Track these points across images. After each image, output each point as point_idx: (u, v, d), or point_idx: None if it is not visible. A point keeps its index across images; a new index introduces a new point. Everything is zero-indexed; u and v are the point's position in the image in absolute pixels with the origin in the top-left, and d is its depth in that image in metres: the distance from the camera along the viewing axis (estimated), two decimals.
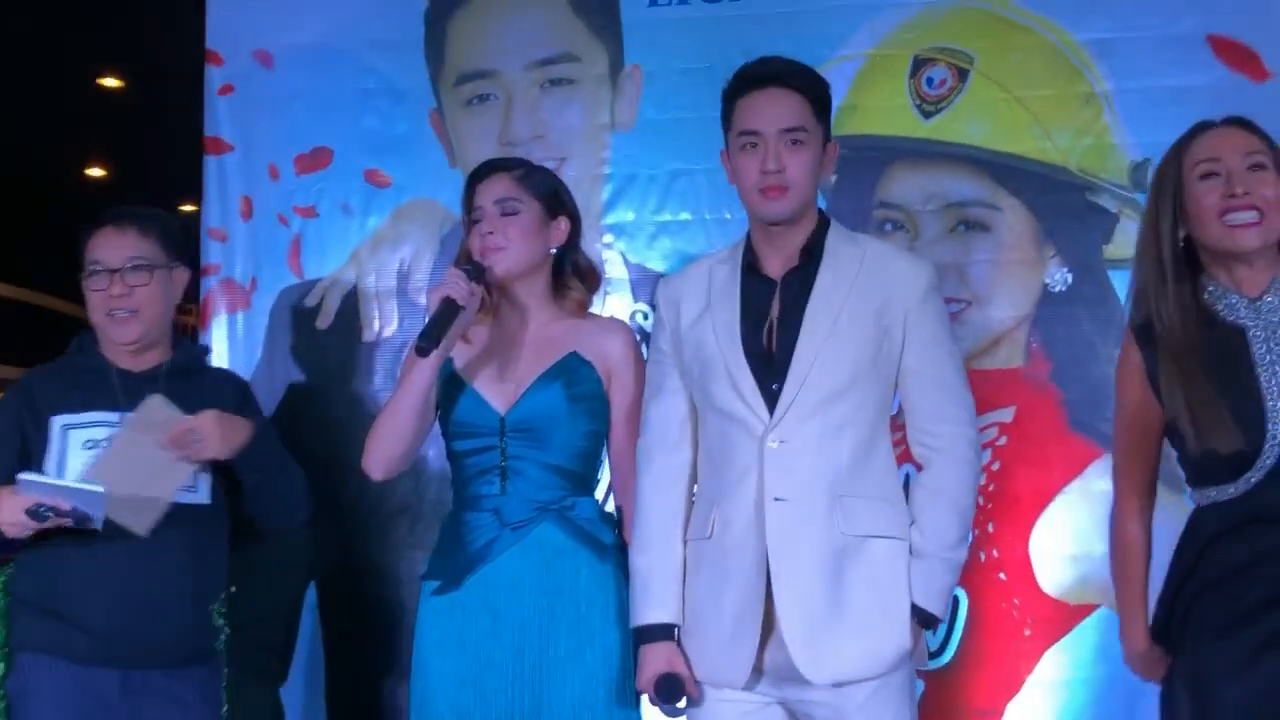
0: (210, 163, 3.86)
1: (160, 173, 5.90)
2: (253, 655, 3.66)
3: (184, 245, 2.90)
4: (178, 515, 2.71)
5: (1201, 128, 2.34)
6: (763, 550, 2.35)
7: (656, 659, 2.46)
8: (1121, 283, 3.37)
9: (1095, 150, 3.42)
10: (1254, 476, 2.18)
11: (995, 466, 3.32)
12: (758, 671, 2.39)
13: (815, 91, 2.45)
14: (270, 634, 3.71)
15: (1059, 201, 3.42)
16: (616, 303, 3.59)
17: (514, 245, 2.62)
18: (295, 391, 3.78)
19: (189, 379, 2.84)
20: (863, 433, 2.39)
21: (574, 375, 2.62)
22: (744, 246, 2.53)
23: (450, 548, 2.65)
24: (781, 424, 2.37)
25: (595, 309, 2.85)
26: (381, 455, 2.63)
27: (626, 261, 3.64)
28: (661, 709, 2.47)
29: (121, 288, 2.77)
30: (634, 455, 2.57)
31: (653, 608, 2.47)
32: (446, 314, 2.50)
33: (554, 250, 2.69)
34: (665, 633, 2.47)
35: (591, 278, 2.75)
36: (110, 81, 7.31)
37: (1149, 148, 3.37)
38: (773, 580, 2.34)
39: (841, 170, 3.50)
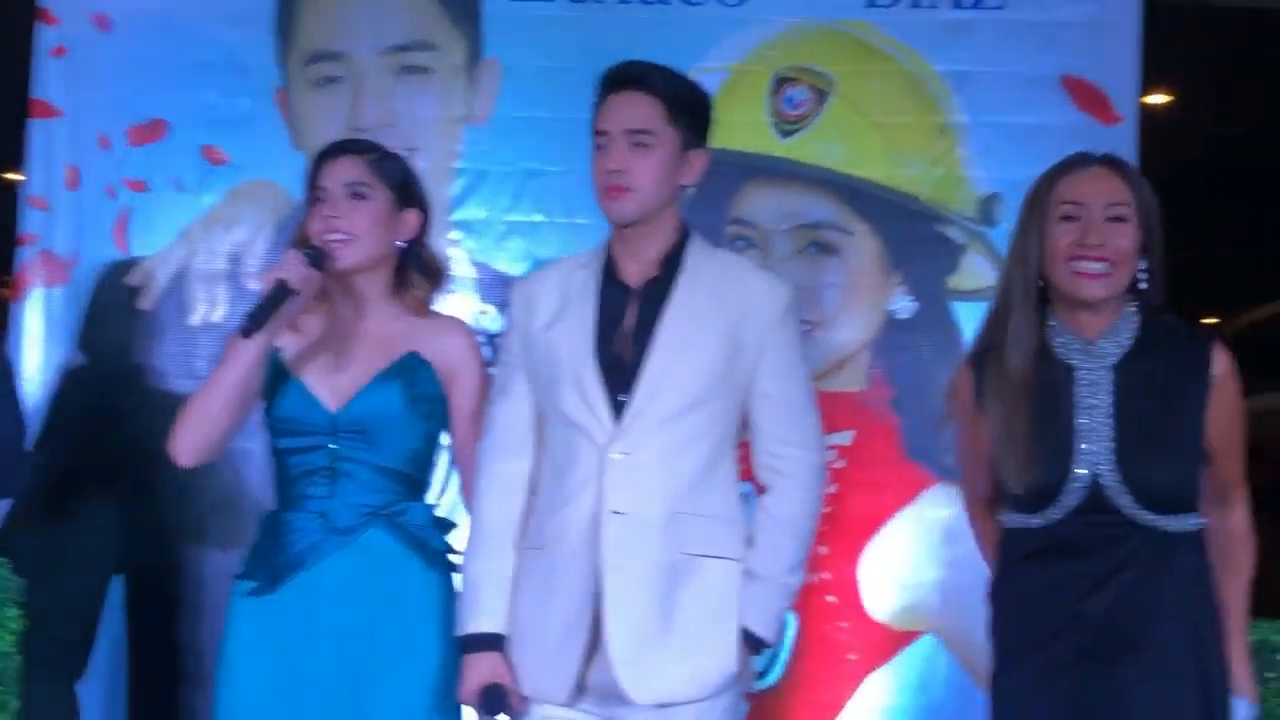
0: (36, 127, 3.66)
1: None
2: (48, 648, 3.49)
3: None
4: None
5: (1074, 164, 2.31)
6: (595, 564, 2.30)
7: (480, 669, 2.38)
8: (965, 314, 3.41)
9: (946, 181, 3.45)
10: (1054, 514, 2.21)
11: (832, 489, 3.31)
12: (581, 689, 2.33)
13: (675, 96, 2.39)
14: (68, 627, 3.53)
15: (908, 229, 3.46)
16: (460, 303, 3.49)
17: (359, 235, 2.49)
18: (114, 374, 3.61)
19: None
20: (707, 450, 2.34)
21: (413, 376, 2.51)
22: (604, 252, 2.46)
23: (268, 548, 2.52)
24: (626, 435, 2.32)
25: (437, 308, 2.72)
26: (190, 438, 2.47)
27: (474, 261, 3.55)
28: (484, 714, 2.38)
29: None
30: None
31: (480, 616, 2.40)
32: (277, 297, 2.37)
33: (400, 244, 2.57)
34: (491, 643, 2.39)
35: (437, 275, 2.62)
36: None
37: (999, 183, 3.43)
38: (604, 595, 2.29)
39: (697, 184, 3.46)
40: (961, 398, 2.40)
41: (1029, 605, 2.25)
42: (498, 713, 2.38)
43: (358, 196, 2.50)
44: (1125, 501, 2.18)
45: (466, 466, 2.58)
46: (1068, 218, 2.26)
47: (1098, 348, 2.27)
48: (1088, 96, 3.42)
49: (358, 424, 2.48)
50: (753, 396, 2.39)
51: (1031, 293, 2.29)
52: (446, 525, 2.60)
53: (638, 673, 2.27)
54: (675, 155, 2.38)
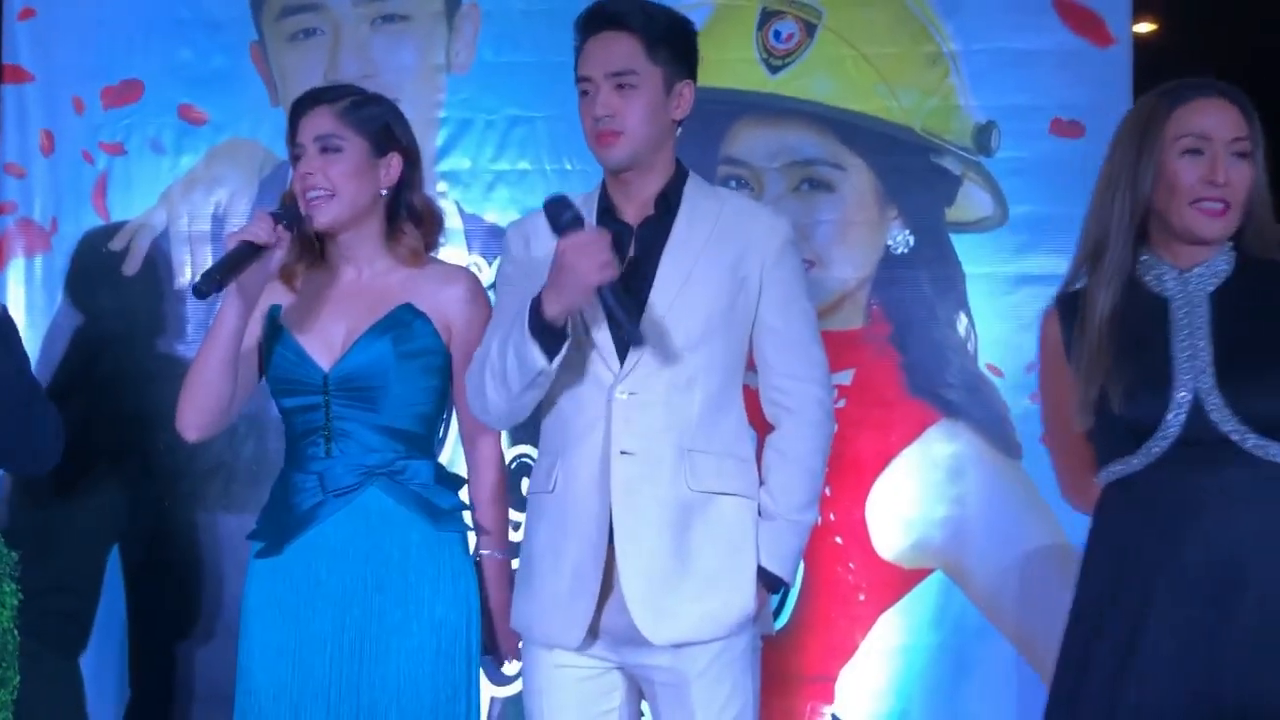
0: (8, 92, 3.58)
1: None
2: (49, 622, 3.46)
3: None
4: None
5: (1192, 92, 2.18)
6: (606, 505, 2.28)
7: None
8: (963, 246, 3.36)
9: (940, 112, 3.38)
10: (1156, 447, 2.13)
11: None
12: (593, 634, 2.31)
13: (653, 31, 2.33)
14: (69, 600, 3.51)
15: (903, 162, 3.39)
16: (451, 254, 3.41)
17: (337, 191, 2.42)
18: (98, 342, 3.55)
19: None
20: (713, 388, 2.32)
21: (406, 330, 2.44)
22: (599, 193, 2.42)
23: (277, 508, 2.49)
24: (631, 375, 2.29)
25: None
26: (193, 412, 2.43)
27: (461, 211, 3.49)
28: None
29: None
30: None
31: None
32: (238, 256, 2.29)
33: (384, 192, 2.49)
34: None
35: (429, 221, 2.55)
36: None
37: (994, 111, 3.37)
38: (615, 535, 2.27)
39: (686, 124, 3.36)
40: (1050, 343, 2.33)
41: (1131, 554, 2.13)
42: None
43: (331, 150, 2.43)
44: (1231, 426, 2.07)
45: (461, 420, 2.54)
46: (1192, 151, 2.15)
47: (1194, 276, 2.18)
48: (1081, 19, 3.34)
49: (350, 382, 2.43)
50: (757, 332, 2.36)
51: (1134, 226, 2.19)
52: (456, 481, 2.55)
53: (653, 613, 2.26)
54: (662, 92, 2.34)
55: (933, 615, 3.32)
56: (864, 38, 3.40)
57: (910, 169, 3.38)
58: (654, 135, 2.35)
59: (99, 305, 3.55)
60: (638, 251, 2.34)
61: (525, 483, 3.34)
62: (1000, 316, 3.35)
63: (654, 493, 2.27)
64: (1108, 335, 2.17)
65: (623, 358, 2.29)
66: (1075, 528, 3.25)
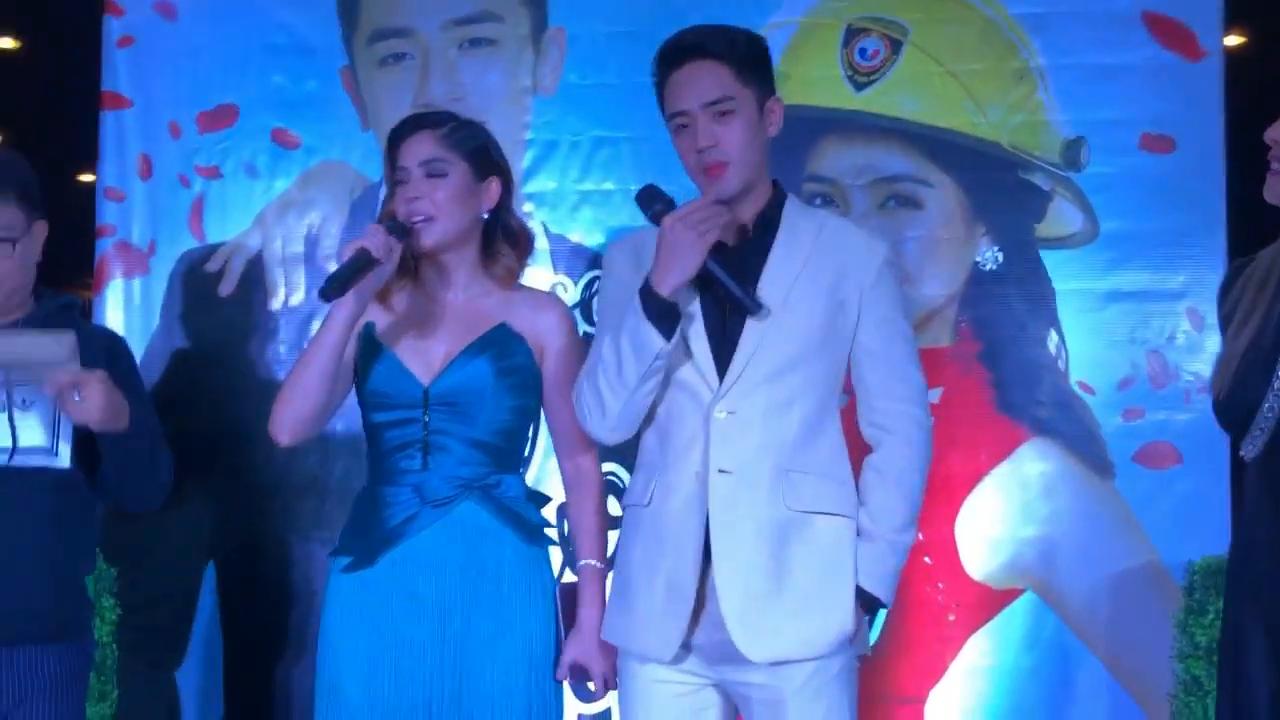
0: (107, 119, 3.67)
1: (59, 137, 5.66)
2: (146, 638, 3.53)
3: (40, 194, 2.67)
4: (35, 482, 2.53)
5: None
6: (703, 522, 2.30)
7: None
8: (1053, 262, 3.33)
9: (1028, 127, 3.35)
10: (1252, 445, 2.10)
11: None
12: (688, 650, 2.33)
13: (740, 53, 2.34)
14: (165, 616, 3.57)
15: (991, 179, 3.36)
16: (537, 274, 3.44)
17: (441, 213, 2.47)
18: (195, 362, 3.61)
19: None
20: (811, 408, 2.33)
21: (504, 348, 2.49)
22: None
23: (364, 523, 2.52)
24: (730, 394, 2.31)
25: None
26: (288, 416, 2.46)
27: (548, 232, 3.51)
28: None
29: None
30: (577, 428, 2.48)
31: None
32: (358, 264, 2.35)
33: (485, 214, 2.54)
34: None
35: (523, 241, 2.59)
36: (5, 42, 7.03)
37: (1082, 125, 3.33)
38: (713, 554, 2.29)
39: (771, 141, 3.40)
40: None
41: (1256, 554, 2.12)
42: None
43: (436, 175, 2.48)
44: None
45: (560, 438, 2.57)
46: None
47: None
48: (1171, 32, 3.30)
49: (449, 396, 2.47)
50: (855, 354, 2.37)
51: None
52: (540, 499, 2.58)
53: (750, 631, 2.27)
54: (757, 113, 2.35)
55: (1023, 636, 3.27)
56: (950, 54, 3.38)
57: (998, 185, 3.35)
58: (757, 158, 2.37)
59: (195, 326, 3.61)
60: (739, 272, 2.34)
61: (612, 500, 3.39)
62: (1091, 333, 3.31)
63: (751, 512, 2.29)
64: (1253, 312, 2.14)
65: (722, 374, 2.31)
66: (1169, 547, 3.22)
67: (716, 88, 2.31)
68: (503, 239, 2.55)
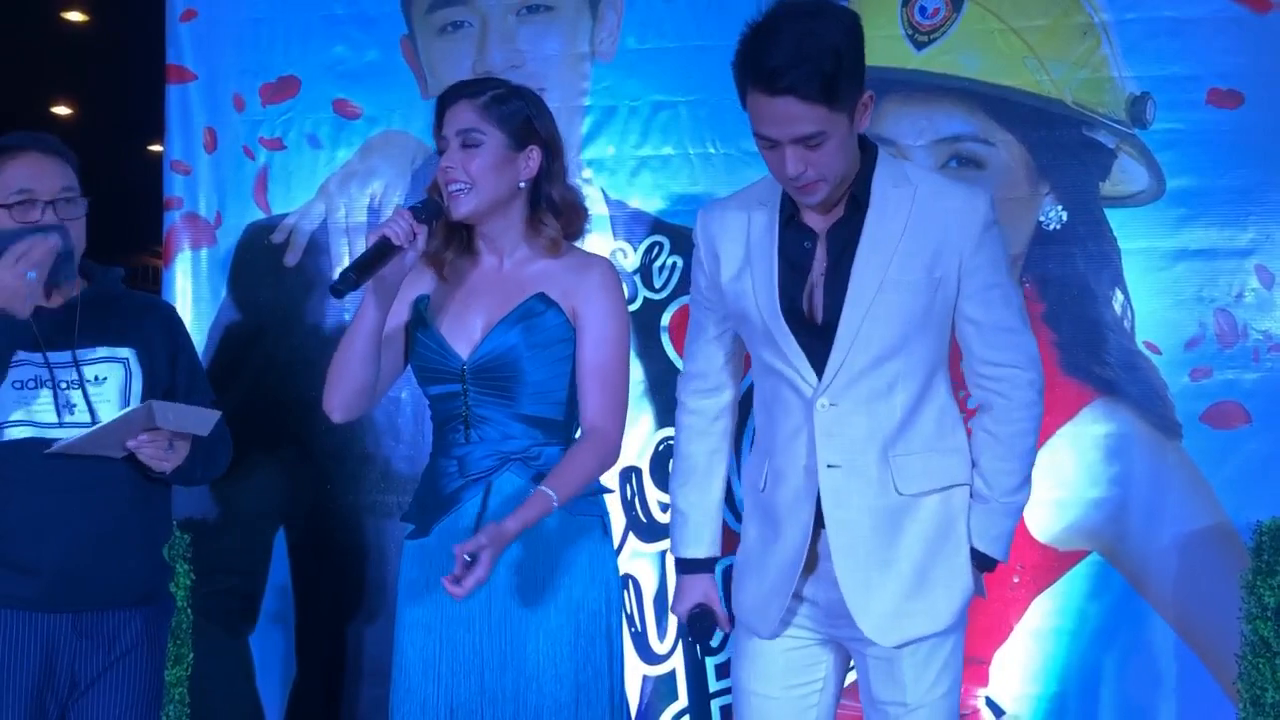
0: (173, 92, 3.72)
1: (126, 110, 5.75)
2: (219, 603, 3.60)
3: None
4: (125, 459, 2.61)
5: None
6: (814, 513, 2.33)
7: (690, 593, 2.52)
8: (1118, 220, 3.28)
9: (1092, 83, 3.30)
10: None
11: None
12: (798, 606, 2.38)
13: (833, 85, 2.15)
14: (237, 580, 3.64)
15: (1054, 137, 3.31)
16: (596, 241, 3.45)
17: (476, 184, 2.45)
18: (261, 332, 3.67)
19: (111, 307, 2.71)
20: (915, 387, 2.32)
21: (537, 320, 2.47)
22: (781, 198, 2.35)
23: (425, 493, 2.56)
24: (831, 387, 2.30)
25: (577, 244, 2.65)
26: (337, 396, 2.49)
27: (607, 198, 3.51)
28: (695, 642, 2.60)
29: (53, 219, 2.61)
30: (600, 413, 2.45)
31: (689, 545, 2.52)
32: (377, 253, 2.33)
33: (523, 184, 2.51)
34: (701, 566, 2.52)
35: (569, 212, 2.55)
36: (74, 15, 7.13)
37: (1148, 81, 3.27)
38: (831, 549, 2.32)
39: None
40: None
41: None
42: (706, 637, 2.54)
43: (471, 144, 2.46)
44: None
45: (590, 401, 2.48)
46: None
47: None
48: None
49: (485, 371, 2.47)
50: (958, 320, 2.34)
51: None
52: None
53: (876, 620, 2.31)
54: (847, 127, 2.23)
55: (1089, 598, 3.25)
56: (1012, 11, 3.33)
57: (1062, 143, 3.30)
58: (849, 163, 2.28)
59: (261, 295, 3.67)
60: (830, 258, 2.31)
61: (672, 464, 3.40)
62: (1158, 292, 3.26)
63: (862, 504, 2.31)
64: None
65: (820, 371, 2.30)
66: (1237, 508, 3.18)
67: (807, 125, 2.18)
68: (546, 208, 2.52)
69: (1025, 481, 2.37)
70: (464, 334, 2.49)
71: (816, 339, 2.30)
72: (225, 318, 3.67)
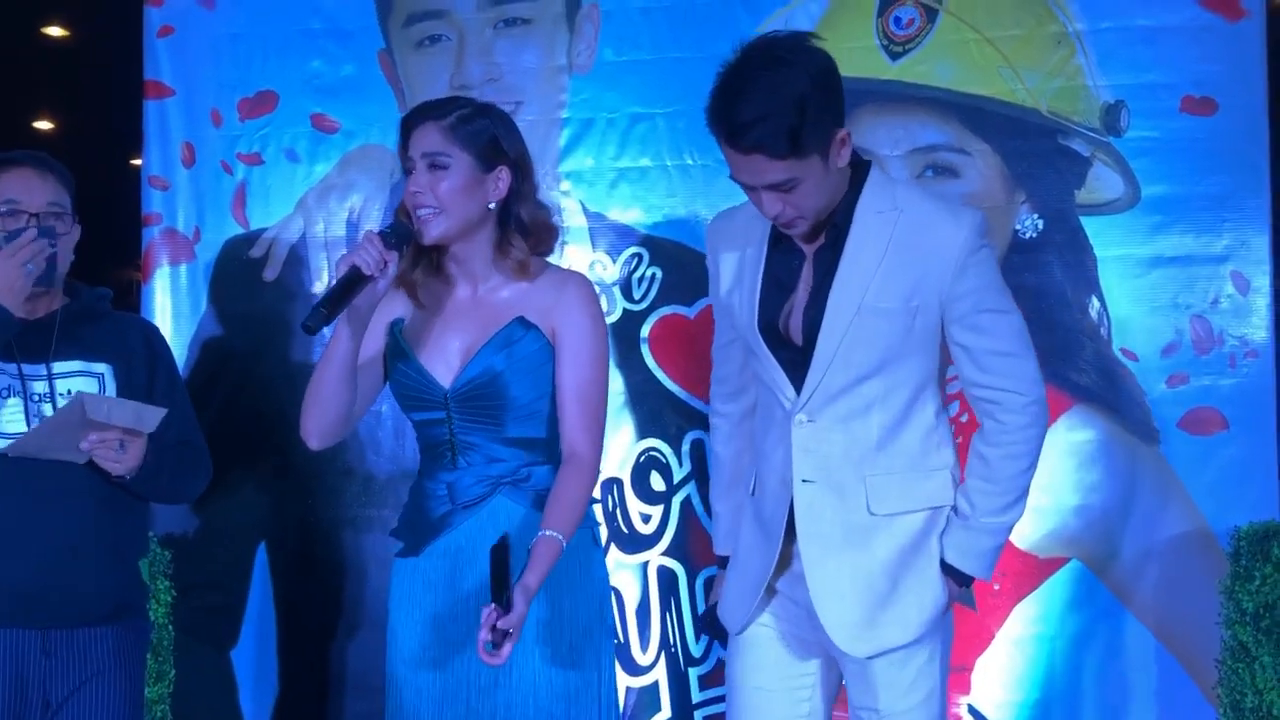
0: (150, 108, 3.72)
1: (107, 124, 5.73)
2: (201, 619, 3.59)
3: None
4: (84, 469, 2.60)
5: None
6: (788, 525, 2.35)
7: (717, 588, 2.60)
8: (1094, 228, 3.29)
9: (1067, 92, 3.31)
10: None
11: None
12: (781, 608, 2.42)
13: (800, 135, 2.17)
14: (220, 596, 3.63)
15: (1029, 145, 3.33)
16: (575, 252, 3.48)
17: (444, 207, 2.41)
18: (241, 346, 3.67)
19: (92, 324, 2.73)
20: (896, 408, 2.32)
21: (518, 345, 2.44)
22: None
23: (413, 512, 2.55)
24: (808, 405, 2.32)
25: (553, 259, 2.64)
26: (313, 424, 2.48)
27: (585, 210, 3.52)
28: (713, 638, 2.72)
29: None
30: (577, 428, 2.43)
31: (722, 544, 2.59)
32: (347, 285, 2.30)
33: (492, 205, 2.46)
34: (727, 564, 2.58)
35: (538, 232, 2.50)
36: (55, 30, 7.11)
37: (1122, 90, 3.29)
38: (803, 561, 2.34)
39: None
40: None
41: None
42: (721, 631, 2.56)
43: (437, 167, 2.41)
44: None
45: (564, 416, 2.46)
46: None
47: None
48: None
49: (469, 398, 2.44)
50: (950, 344, 2.34)
51: None
52: None
53: (847, 632, 2.32)
54: (822, 167, 2.24)
55: (1069, 604, 3.26)
56: (986, 20, 3.34)
57: (1037, 152, 3.32)
58: (829, 194, 2.28)
59: (241, 310, 3.67)
60: (814, 279, 2.33)
61: (654, 476, 3.41)
62: (1134, 299, 3.27)
63: (835, 518, 2.32)
64: None
65: (798, 387, 2.32)
66: (1215, 513, 3.20)
67: (776, 174, 2.21)
68: (514, 230, 2.47)
69: (1012, 504, 2.35)
70: (443, 361, 2.47)
71: (796, 357, 2.32)
72: (205, 333, 3.67)
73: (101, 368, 2.67)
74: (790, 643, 2.44)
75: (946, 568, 2.35)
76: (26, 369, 2.62)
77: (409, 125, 2.47)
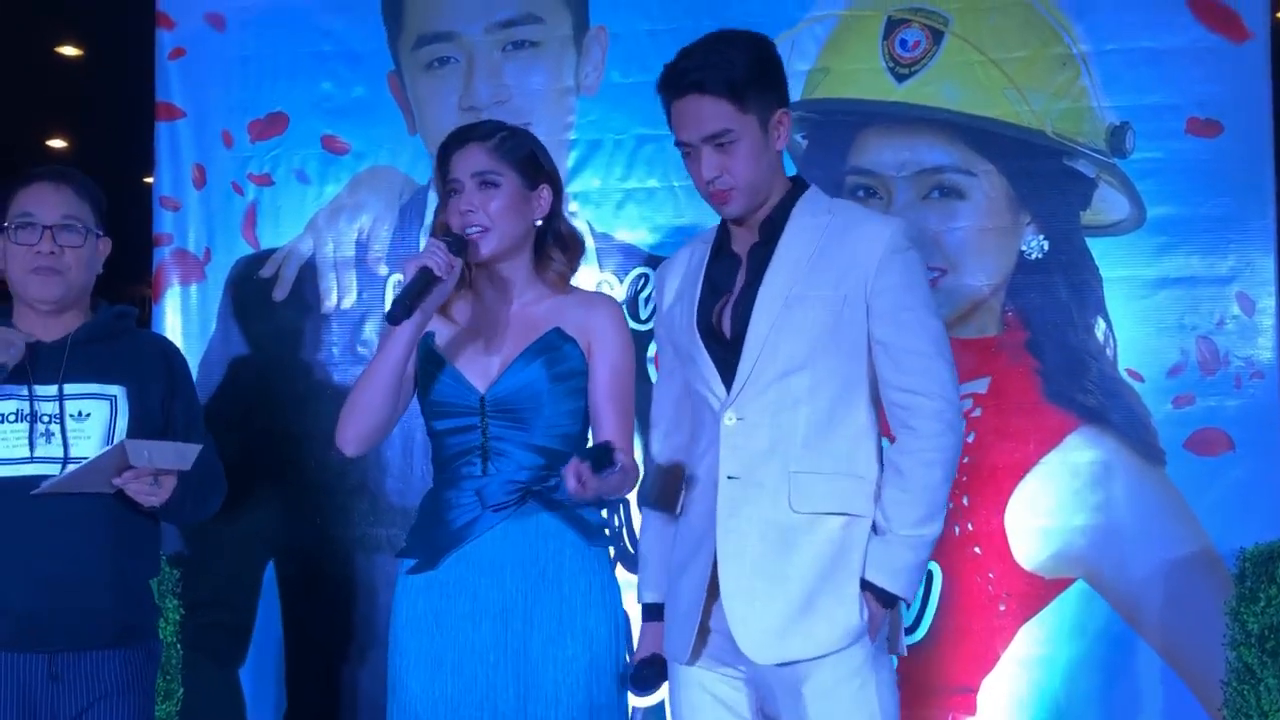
0: (162, 129, 3.75)
1: (121, 143, 5.77)
2: (209, 637, 3.61)
3: (106, 217, 2.78)
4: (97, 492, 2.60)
5: None
6: (714, 528, 2.33)
7: (645, 641, 2.51)
8: (1100, 249, 3.31)
9: (1072, 114, 3.33)
10: None
11: (970, 438, 3.24)
12: (704, 646, 2.36)
13: (738, 83, 2.29)
14: (227, 614, 3.64)
15: (1035, 167, 3.34)
16: (582, 273, 3.43)
17: (496, 225, 2.49)
18: (250, 366, 3.69)
19: (107, 343, 2.72)
20: (823, 406, 2.32)
21: (556, 353, 2.51)
22: (720, 225, 2.47)
23: (429, 526, 2.56)
24: (737, 401, 2.33)
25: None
26: (354, 430, 2.51)
27: (593, 230, 3.54)
28: (634, 691, 2.50)
29: (50, 245, 2.65)
30: (619, 425, 2.53)
31: (646, 588, 2.52)
32: (422, 283, 2.39)
33: (538, 222, 2.56)
34: (654, 613, 2.50)
35: (574, 246, 2.62)
36: (69, 50, 7.16)
37: (1127, 111, 3.30)
38: (718, 558, 2.31)
39: (813, 136, 3.42)
40: None
41: None
42: (649, 685, 2.47)
43: (489, 185, 2.49)
44: None
45: (608, 423, 2.55)
46: None
47: None
48: (1215, 15, 3.26)
49: (505, 404, 2.50)
50: (873, 345, 2.34)
51: None
52: (599, 500, 2.60)
53: (752, 635, 2.29)
54: (760, 136, 2.34)
55: (1075, 625, 3.26)
56: (992, 43, 3.36)
57: (1043, 173, 3.33)
58: (765, 176, 2.36)
59: (251, 330, 3.69)
60: (746, 278, 2.38)
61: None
62: (1140, 320, 3.28)
63: (754, 514, 2.30)
64: None
65: (729, 384, 2.33)
66: (1221, 534, 3.20)
67: (715, 121, 2.30)
68: (554, 244, 2.58)
69: (929, 517, 2.29)
70: (480, 369, 2.52)
71: (728, 352, 2.35)
72: (214, 353, 3.69)
73: (115, 390, 2.67)
74: (721, 682, 2.38)
75: (866, 585, 2.29)
76: (38, 390, 2.63)
77: (450, 148, 2.54)
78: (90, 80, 7.24)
